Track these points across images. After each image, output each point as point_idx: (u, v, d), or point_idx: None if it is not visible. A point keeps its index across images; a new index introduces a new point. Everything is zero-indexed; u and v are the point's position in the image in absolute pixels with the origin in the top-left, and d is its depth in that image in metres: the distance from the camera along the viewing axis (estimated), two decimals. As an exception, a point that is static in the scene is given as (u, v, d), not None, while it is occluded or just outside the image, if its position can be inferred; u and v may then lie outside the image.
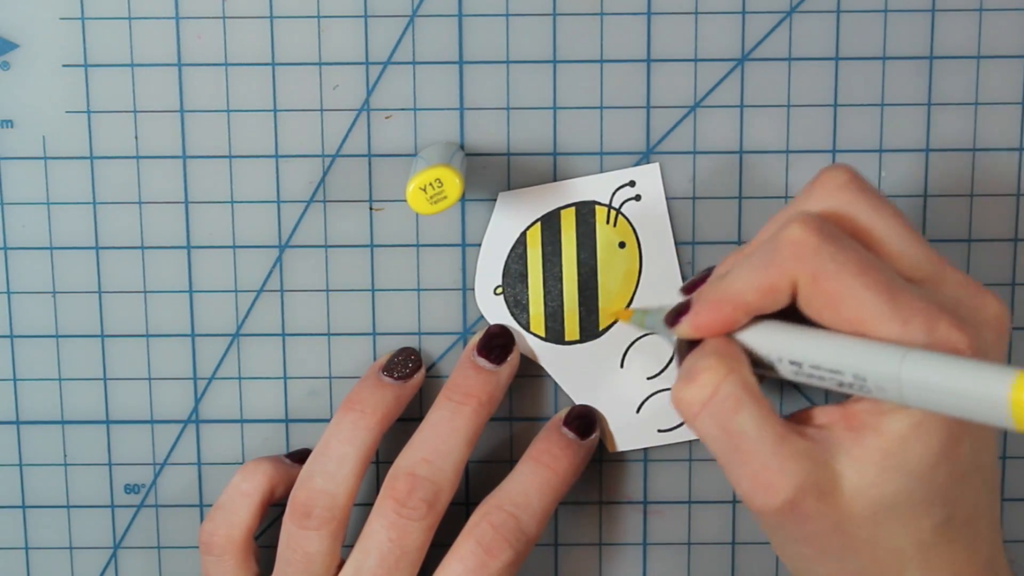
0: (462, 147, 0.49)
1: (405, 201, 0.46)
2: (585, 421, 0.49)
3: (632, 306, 0.50)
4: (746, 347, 0.40)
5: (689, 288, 0.43)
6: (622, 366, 0.50)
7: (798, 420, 0.39)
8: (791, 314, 0.39)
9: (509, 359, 0.49)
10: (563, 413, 0.49)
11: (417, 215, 0.50)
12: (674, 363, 0.44)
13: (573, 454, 0.48)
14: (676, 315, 0.41)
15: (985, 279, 0.50)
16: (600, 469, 0.51)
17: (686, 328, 0.40)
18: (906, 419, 0.37)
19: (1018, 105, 0.49)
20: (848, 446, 0.38)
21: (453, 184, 0.44)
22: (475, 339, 0.49)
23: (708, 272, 0.43)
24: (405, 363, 0.49)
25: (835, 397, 0.50)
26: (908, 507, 0.38)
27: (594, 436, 0.49)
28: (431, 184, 0.44)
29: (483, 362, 0.48)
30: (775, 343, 0.39)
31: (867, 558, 0.39)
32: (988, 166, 0.49)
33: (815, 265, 0.37)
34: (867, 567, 0.39)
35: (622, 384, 0.50)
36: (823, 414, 0.39)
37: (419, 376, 0.49)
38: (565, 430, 0.49)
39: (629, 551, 0.52)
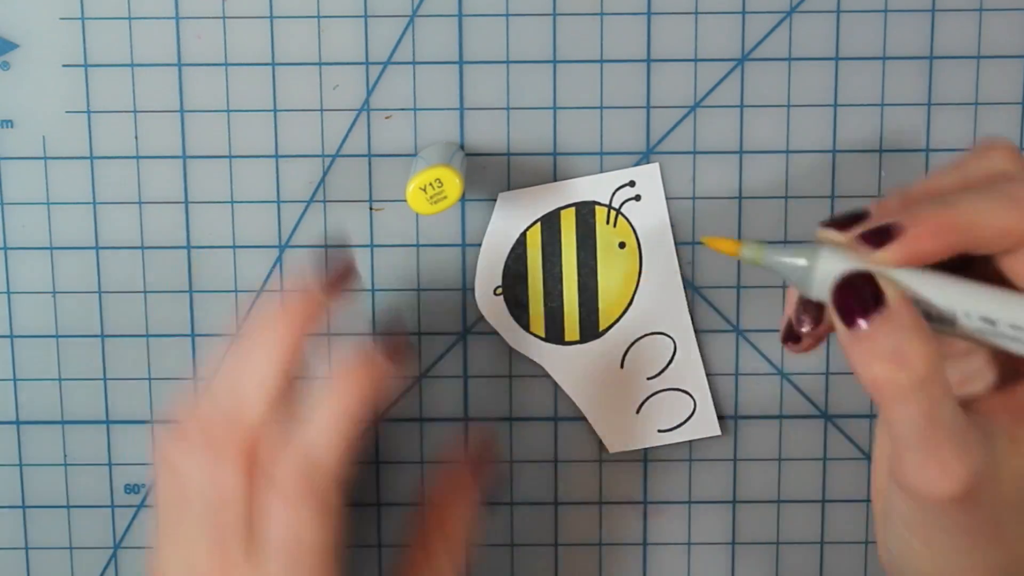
0: (462, 147, 0.49)
1: (405, 201, 0.46)
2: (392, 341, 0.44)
3: (633, 305, 0.50)
4: (926, 297, 0.37)
5: (841, 224, 0.38)
6: (622, 366, 0.50)
7: (964, 407, 0.38)
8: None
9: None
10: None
11: (417, 215, 0.50)
12: (784, 319, 0.39)
13: (365, 375, 0.43)
14: (877, 238, 0.37)
15: (985, 279, 0.50)
16: (600, 469, 0.51)
17: (895, 253, 0.36)
18: None
19: (1018, 105, 0.49)
20: (1010, 430, 0.37)
21: (453, 184, 0.44)
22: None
23: (863, 212, 0.38)
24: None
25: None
26: None
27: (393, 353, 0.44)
28: (431, 184, 0.44)
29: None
30: (968, 295, 0.36)
31: (1008, 551, 0.38)
32: (988, 166, 0.49)
33: None
34: (1003, 562, 0.38)
35: (622, 384, 0.50)
36: (986, 400, 0.38)
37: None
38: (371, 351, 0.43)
39: (629, 551, 0.52)
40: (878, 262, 0.37)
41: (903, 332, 0.36)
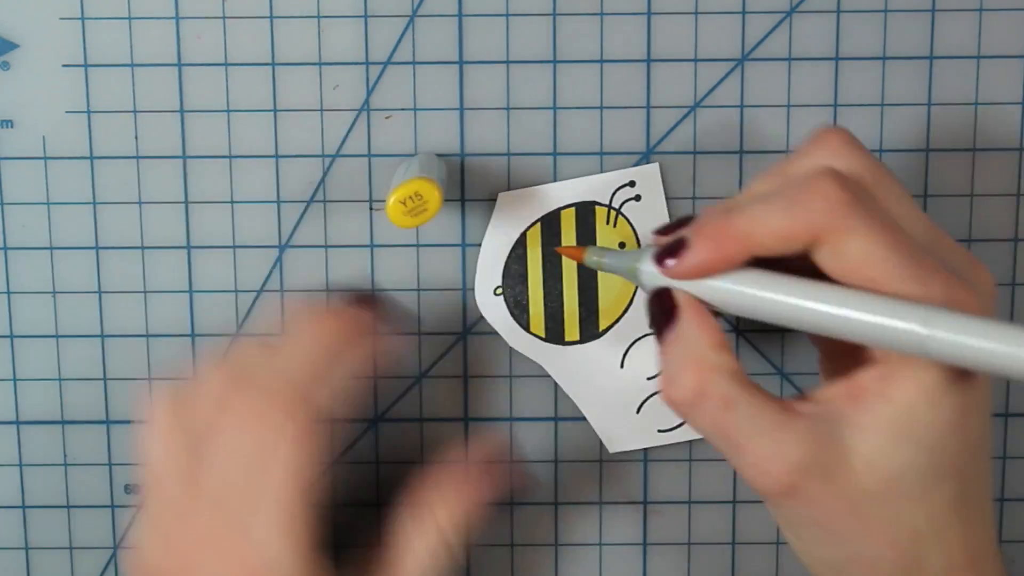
0: (462, 150, 0.49)
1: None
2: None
3: (633, 305, 0.50)
4: (736, 291, 0.38)
5: (664, 231, 0.40)
6: (622, 366, 0.50)
7: (800, 399, 0.39)
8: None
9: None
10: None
11: (417, 215, 0.50)
12: (648, 320, 0.41)
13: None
14: (668, 253, 0.38)
15: (985, 279, 0.50)
16: (600, 469, 0.51)
17: (683, 267, 0.38)
18: (913, 388, 0.37)
19: (1018, 105, 0.49)
20: (854, 417, 0.37)
21: (433, 197, 0.44)
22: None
23: (687, 219, 0.40)
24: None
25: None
26: (919, 479, 0.37)
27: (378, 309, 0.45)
28: (410, 198, 0.44)
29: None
30: (777, 290, 0.37)
31: (883, 541, 0.38)
32: (988, 166, 0.49)
33: (845, 222, 0.36)
34: (883, 552, 0.38)
35: (622, 384, 0.50)
36: (826, 390, 0.38)
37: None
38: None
39: (629, 551, 0.52)
40: (670, 276, 0.38)
41: (677, 352, 0.38)
